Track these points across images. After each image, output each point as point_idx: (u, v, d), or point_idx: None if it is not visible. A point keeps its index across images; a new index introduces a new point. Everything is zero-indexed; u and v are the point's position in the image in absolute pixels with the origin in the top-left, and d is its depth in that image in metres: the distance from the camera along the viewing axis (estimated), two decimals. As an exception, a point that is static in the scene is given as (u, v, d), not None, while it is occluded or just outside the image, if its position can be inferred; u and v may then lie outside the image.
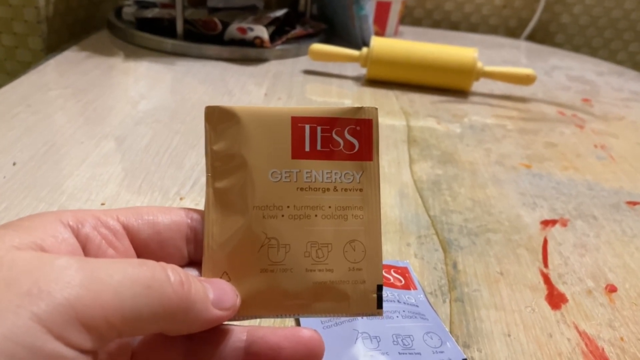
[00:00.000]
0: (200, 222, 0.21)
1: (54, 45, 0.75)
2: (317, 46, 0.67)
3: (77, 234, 0.19)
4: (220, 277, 0.21)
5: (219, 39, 0.72)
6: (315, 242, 0.21)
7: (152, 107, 0.54)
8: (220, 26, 0.70)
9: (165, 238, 0.21)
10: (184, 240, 0.21)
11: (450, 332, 0.29)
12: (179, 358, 0.20)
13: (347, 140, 0.22)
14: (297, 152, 0.21)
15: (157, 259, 0.19)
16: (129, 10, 0.79)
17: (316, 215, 0.21)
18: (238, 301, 0.20)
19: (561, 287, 0.34)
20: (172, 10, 0.73)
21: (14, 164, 0.41)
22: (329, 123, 0.22)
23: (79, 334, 0.14)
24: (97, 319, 0.15)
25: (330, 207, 0.21)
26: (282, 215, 0.21)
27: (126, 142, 0.46)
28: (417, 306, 0.30)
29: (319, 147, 0.22)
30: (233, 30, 0.70)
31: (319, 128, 0.22)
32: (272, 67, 0.70)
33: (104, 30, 0.79)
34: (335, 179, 0.22)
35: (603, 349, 0.29)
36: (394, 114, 0.58)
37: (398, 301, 0.29)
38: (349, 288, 0.21)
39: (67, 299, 0.14)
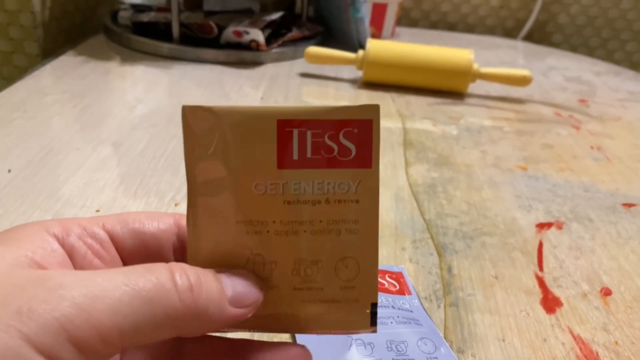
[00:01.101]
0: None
1: (50, 49, 0.75)
2: (313, 49, 0.67)
3: (62, 244, 0.19)
4: None
5: (215, 43, 0.72)
6: (303, 259, 0.20)
7: (149, 111, 0.54)
8: (216, 30, 0.70)
9: (151, 247, 0.21)
10: (170, 249, 0.21)
11: (445, 337, 0.29)
12: None
13: (342, 145, 0.19)
14: (284, 161, 0.19)
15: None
16: (125, 15, 0.79)
17: (305, 231, 0.20)
18: (261, 296, 0.19)
19: (556, 291, 0.34)
20: (168, 14, 0.73)
21: (9, 170, 0.41)
22: (321, 126, 0.19)
23: (71, 354, 0.14)
24: (91, 339, 0.14)
25: (321, 221, 0.20)
26: (267, 231, 0.20)
27: (123, 147, 0.46)
28: (411, 311, 0.30)
29: (309, 155, 0.19)
30: (229, 33, 0.70)
31: (309, 133, 0.19)
32: (268, 70, 0.70)
33: (100, 34, 0.79)
34: (328, 189, 0.20)
35: (597, 353, 0.29)
36: (390, 117, 0.58)
37: (392, 307, 0.29)
38: (341, 307, 0.20)
39: (57, 319, 0.14)
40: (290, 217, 0.20)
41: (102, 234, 0.20)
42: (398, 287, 0.32)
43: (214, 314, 0.17)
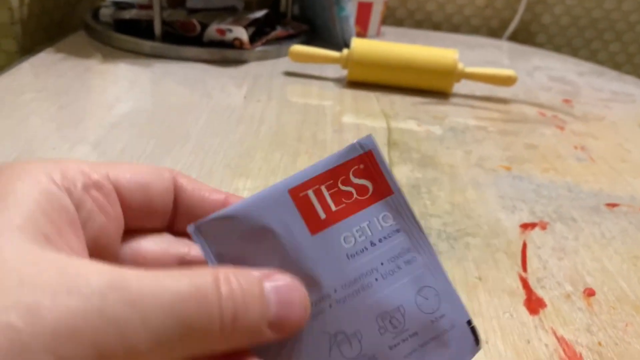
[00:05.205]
0: (184, 188, 0.20)
1: (28, 47, 0.73)
2: (298, 47, 0.67)
3: (70, 195, 0.16)
4: None
5: (197, 41, 0.71)
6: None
7: (129, 111, 0.53)
8: (199, 27, 0.69)
9: (156, 205, 0.19)
10: (170, 205, 0.19)
11: (428, 341, 0.29)
12: None
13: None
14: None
15: (143, 223, 0.17)
16: (107, 12, 0.77)
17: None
18: (305, 318, 0.17)
19: (540, 292, 0.33)
20: (150, 12, 0.72)
21: (-18, 171, 0.40)
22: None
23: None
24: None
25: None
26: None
27: (100, 147, 0.45)
28: (397, 231, 0.20)
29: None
30: (212, 31, 0.69)
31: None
32: (251, 68, 0.69)
33: (80, 31, 0.77)
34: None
35: (581, 354, 0.29)
36: (374, 117, 0.58)
37: (371, 243, 0.19)
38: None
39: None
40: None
41: (108, 186, 0.17)
42: (371, 188, 0.20)
43: (248, 338, 0.15)
